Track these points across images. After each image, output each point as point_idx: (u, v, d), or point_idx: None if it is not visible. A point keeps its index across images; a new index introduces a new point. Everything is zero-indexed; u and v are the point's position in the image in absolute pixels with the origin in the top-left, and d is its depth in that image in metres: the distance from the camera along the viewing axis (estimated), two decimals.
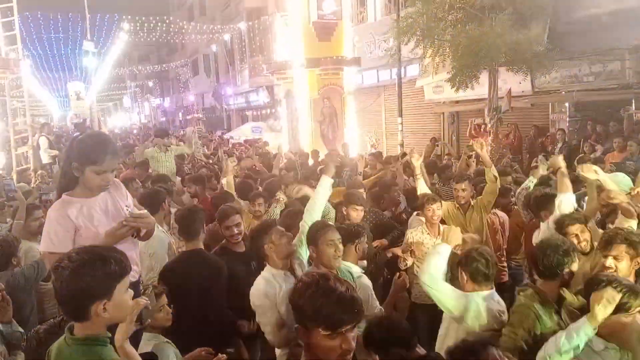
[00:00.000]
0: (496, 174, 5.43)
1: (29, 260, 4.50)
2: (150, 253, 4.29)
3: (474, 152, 8.58)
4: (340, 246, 3.48)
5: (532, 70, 11.31)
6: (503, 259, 5.71)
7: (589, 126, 11.94)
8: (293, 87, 15.00)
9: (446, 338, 3.43)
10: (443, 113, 16.81)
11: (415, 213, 5.59)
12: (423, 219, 5.15)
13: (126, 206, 2.95)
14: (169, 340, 3.25)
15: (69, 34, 30.20)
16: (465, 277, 3.41)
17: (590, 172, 4.07)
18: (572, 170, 6.27)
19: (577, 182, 5.73)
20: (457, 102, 15.17)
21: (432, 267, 3.40)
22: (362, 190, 5.63)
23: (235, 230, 4.24)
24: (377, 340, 2.74)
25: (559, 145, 11.44)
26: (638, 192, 3.88)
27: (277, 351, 3.40)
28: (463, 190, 5.45)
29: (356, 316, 1.89)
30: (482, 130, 11.85)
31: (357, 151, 13.18)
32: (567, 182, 4.33)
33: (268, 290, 3.37)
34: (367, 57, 17.25)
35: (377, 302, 3.68)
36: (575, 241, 3.76)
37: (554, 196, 4.42)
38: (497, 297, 3.43)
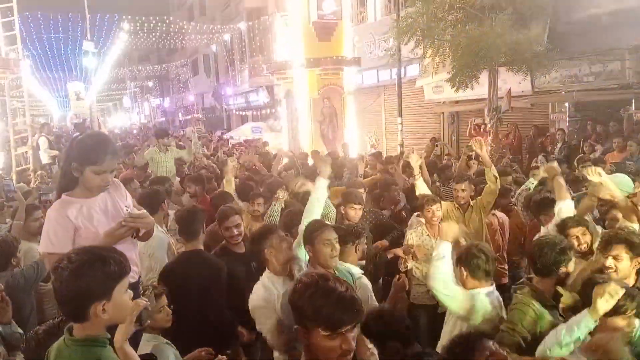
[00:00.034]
0: (496, 174, 5.42)
1: (28, 260, 4.49)
2: (150, 253, 4.28)
3: (473, 152, 8.57)
4: (337, 245, 3.47)
5: (532, 70, 11.31)
6: (503, 260, 5.70)
7: (589, 126, 11.94)
8: (293, 87, 14.99)
9: (453, 335, 3.43)
10: (443, 113, 16.81)
11: (415, 214, 5.59)
12: (423, 220, 5.15)
13: (126, 207, 2.95)
14: (169, 341, 3.25)
15: (68, 34, 30.18)
16: (465, 274, 3.42)
17: (595, 175, 4.10)
18: (572, 170, 6.29)
19: (577, 183, 5.74)
20: (457, 102, 15.17)
21: (441, 273, 3.40)
22: (362, 190, 5.61)
23: (235, 231, 4.23)
24: (375, 332, 2.75)
25: (559, 145, 11.44)
26: (638, 193, 3.89)
27: (276, 354, 3.39)
28: (463, 190, 5.44)
29: (356, 316, 1.89)
30: (482, 130, 11.85)
31: (357, 151, 13.17)
32: (565, 189, 4.34)
33: (267, 296, 3.37)
34: (367, 57, 17.25)
35: (377, 303, 3.68)
36: (575, 243, 3.78)
37: (553, 201, 4.43)
38: (496, 292, 3.47)
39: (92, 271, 2.00)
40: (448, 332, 3.50)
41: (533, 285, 3.30)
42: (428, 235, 5.01)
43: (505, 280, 5.58)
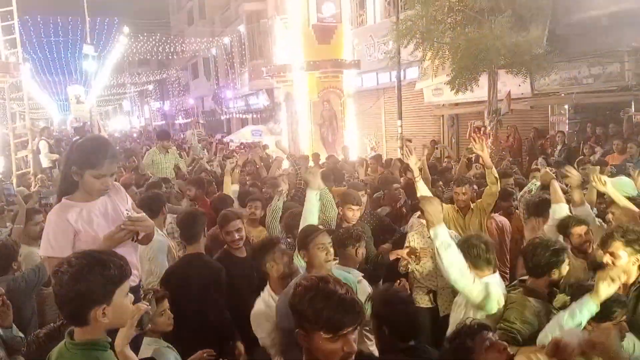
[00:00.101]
0: (497, 175, 5.40)
1: (28, 264, 4.49)
2: (150, 257, 4.29)
3: (473, 155, 8.57)
4: (331, 250, 3.45)
5: (531, 73, 11.33)
6: (504, 263, 5.67)
7: (589, 128, 11.95)
8: (293, 90, 15.02)
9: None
10: (443, 115, 16.82)
11: (416, 215, 5.57)
12: (424, 221, 5.12)
13: (126, 210, 2.95)
14: (170, 345, 3.25)
15: (68, 38, 30.24)
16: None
17: (600, 183, 4.15)
18: None
19: None
20: (456, 104, 15.18)
21: (454, 261, 3.29)
22: (363, 192, 5.60)
23: (237, 236, 4.23)
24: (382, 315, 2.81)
25: (559, 147, 11.44)
26: None
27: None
28: (464, 194, 5.43)
29: (357, 318, 1.89)
30: (481, 132, 11.85)
31: (358, 154, 13.18)
32: (560, 193, 4.36)
33: (268, 312, 3.36)
34: (366, 60, 17.27)
35: None
36: (578, 242, 3.80)
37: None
38: (502, 281, 3.49)
39: (92, 275, 1.99)
40: (458, 320, 3.51)
41: (526, 285, 3.33)
42: (429, 237, 4.99)
43: (507, 283, 5.55)
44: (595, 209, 4.77)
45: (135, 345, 2.65)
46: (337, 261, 3.85)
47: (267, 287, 3.53)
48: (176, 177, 8.70)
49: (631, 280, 3.12)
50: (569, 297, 2.97)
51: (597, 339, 2.34)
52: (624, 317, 2.81)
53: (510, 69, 11.15)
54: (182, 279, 3.82)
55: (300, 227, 3.88)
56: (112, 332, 2.15)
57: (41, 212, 5.19)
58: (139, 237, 2.91)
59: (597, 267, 2.99)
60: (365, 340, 3.32)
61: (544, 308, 3.14)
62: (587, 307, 2.73)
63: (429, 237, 4.94)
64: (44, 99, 37.01)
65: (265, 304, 3.42)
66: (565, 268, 3.29)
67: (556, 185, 4.38)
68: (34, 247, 4.62)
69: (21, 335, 3.51)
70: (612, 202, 4.30)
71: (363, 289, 3.63)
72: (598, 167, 5.17)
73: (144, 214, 3.07)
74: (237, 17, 27.78)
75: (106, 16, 29.59)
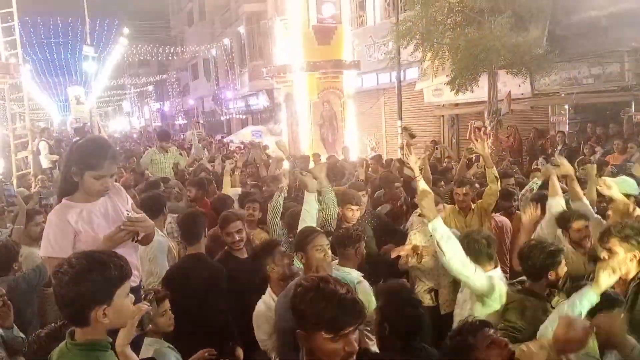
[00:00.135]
0: (497, 175, 5.40)
1: (28, 265, 4.50)
2: (150, 258, 4.29)
3: (473, 155, 8.57)
4: (329, 251, 3.47)
5: (531, 73, 11.33)
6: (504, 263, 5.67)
7: (589, 128, 11.95)
8: (293, 90, 15.01)
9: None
10: (443, 116, 16.82)
11: (417, 214, 5.55)
12: (425, 220, 5.11)
13: (126, 210, 2.95)
14: (171, 345, 3.25)
15: (68, 39, 30.30)
16: None
17: (605, 186, 4.15)
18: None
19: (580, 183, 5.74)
20: (456, 104, 15.18)
21: (455, 253, 3.32)
22: (363, 192, 5.60)
23: (237, 237, 4.23)
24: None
25: (559, 147, 11.43)
26: None
27: None
28: (464, 194, 5.43)
29: (358, 317, 1.89)
30: (482, 133, 11.85)
31: (358, 155, 13.18)
32: (558, 187, 4.38)
33: (268, 314, 3.36)
34: (366, 61, 17.27)
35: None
36: (577, 236, 3.82)
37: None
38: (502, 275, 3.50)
39: (93, 276, 1.99)
40: (459, 317, 3.52)
41: (525, 287, 3.35)
42: (431, 236, 4.98)
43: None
44: (595, 207, 4.77)
45: (136, 345, 2.65)
46: (337, 261, 3.85)
47: (269, 289, 3.54)
48: (176, 176, 8.69)
49: (630, 276, 3.12)
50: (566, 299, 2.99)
51: (604, 323, 2.34)
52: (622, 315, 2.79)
53: (510, 70, 11.15)
54: (183, 280, 3.82)
55: (299, 229, 3.89)
56: (113, 333, 2.15)
57: (41, 213, 5.20)
58: (139, 238, 2.91)
59: (597, 259, 2.99)
60: (367, 340, 3.32)
61: (543, 308, 3.15)
62: (588, 298, 2.73)
63: (431, 236, 4.96)
64: (44, 100, 37.08)
65: (267, 306, 3.43)
66: (562, 269, 3.29)
67: (555, 180, 4.40)
68: (35, 248, 4.62)
69: (22, 335, 3.52)
70: (611, 200, 4.31)
71: (363, 290, 3.62)
72: (595, 166, 5.20)
73: (143, 214, 3.07)
74: (237, 18, 27.78)
75: (106, 17, 29.64)
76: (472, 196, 5.56)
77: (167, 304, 3.30)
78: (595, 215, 4.28)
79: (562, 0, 10.66)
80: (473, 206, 5.47)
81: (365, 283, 3.75)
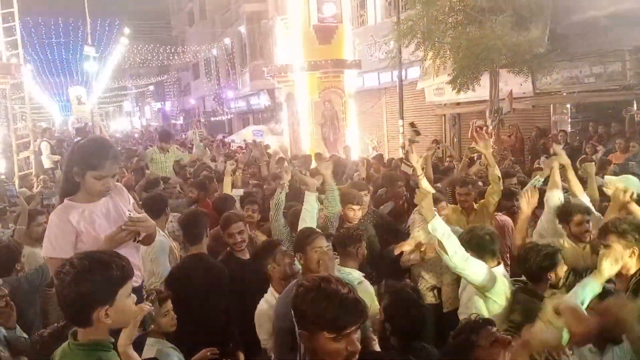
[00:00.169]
0: (499, 174, 5.39)
1: (31, 265, 4.50)
2: (152, 258, 4.29)
3: (475, 154, 8.55)
4: (331, 253, 3.47)
5: (533, 72, 11.33)
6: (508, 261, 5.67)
7: (591, 127, 11.95)
8: (294, 90, 15.01)
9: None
10: (444, 115, 16.81)
11: (418, 213, 5.54)
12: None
13: (128, 210, 2.95)
14: (173, 345, 3.25)
15: (70, 39, 30.34)
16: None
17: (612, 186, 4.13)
18: (575, 171, 6.22)
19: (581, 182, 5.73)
20: (458, 104, 15.18)
21: (455, 249, 3.32)
22: (365, 192, 5.59)
23: (239, 238, 4.23)
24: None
25: (561, 146, 11.42)
26: None
27: None
28: (466, 194, 5.43)
29: (360, 317, 1.88)
30: (483, 132, 11.83)
31: (359, 154, 13.18)
32: (559, 180, 4.38)
33: (270, 313, 3.36)
34: (367, 60, 17.26)
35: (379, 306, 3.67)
36: (577, 230, 3.84)
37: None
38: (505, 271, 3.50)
39: (94, 276, 1.99)
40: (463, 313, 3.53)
41: (527, 289, 3.34)
42: None
43: None
44: (596, 207, 4.77)
45: (139, 346, 2.65)
46: (338, 261, 3.85)
47: (271, 288, 3.54)
48: (177, 174, 8.69)
49: (631, 273, 3.12)
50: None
51: (613, 307, 2.31)
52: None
53: (511, 69, 11.15)
54: (185, 280, 3.82)
55: (299, 228, 3.89)
56: (115, 333, 2.15)
57: (43, 213, 5.20)
58: (141, 238, 2.91)
59: (599, 251, 2.98)
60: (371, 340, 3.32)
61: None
62: (591, 287, 2.72)
63: None
64: (46, 100, 37.11)
65: (269, 305, 3.43)
66: (562, 269, 3.29)
67: (556, 172, 4.40)
68: (37, 248, 4.63)
69: (25, 335, 3.52)
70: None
71: (364, 290, 3.62)
72: (593, 164, 5.20)
73: (145, 214, 3.07)
74: (238, 17, 27.78)
75: (107, 17, 29.66)
76: (474, 196, 5.55)
77: (169, 304, 3.30)
78: (596, 213, 4.28)
79: None
80: (475, 206, 5.47)
81: (367, 283, 3.75)
